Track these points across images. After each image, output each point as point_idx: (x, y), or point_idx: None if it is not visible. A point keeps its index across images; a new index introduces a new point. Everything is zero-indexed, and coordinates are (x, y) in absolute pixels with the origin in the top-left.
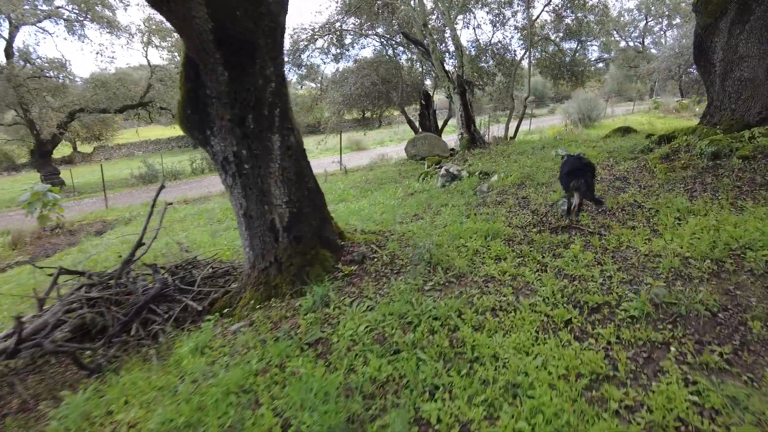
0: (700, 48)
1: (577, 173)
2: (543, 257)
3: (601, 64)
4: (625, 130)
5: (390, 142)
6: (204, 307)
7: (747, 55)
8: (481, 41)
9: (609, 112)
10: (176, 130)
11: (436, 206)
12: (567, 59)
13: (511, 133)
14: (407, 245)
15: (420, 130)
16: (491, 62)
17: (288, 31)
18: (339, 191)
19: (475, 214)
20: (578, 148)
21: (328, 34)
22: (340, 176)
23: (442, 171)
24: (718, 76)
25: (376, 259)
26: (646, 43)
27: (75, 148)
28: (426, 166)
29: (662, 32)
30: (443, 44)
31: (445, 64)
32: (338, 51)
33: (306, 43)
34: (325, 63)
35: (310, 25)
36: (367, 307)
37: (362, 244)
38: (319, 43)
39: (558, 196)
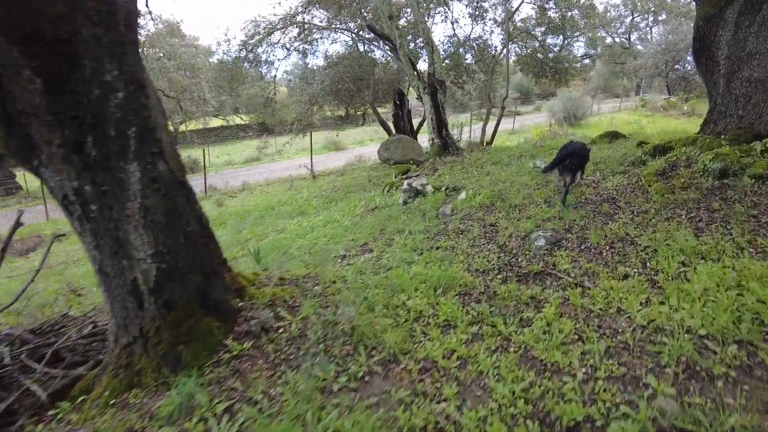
0: (702, 43)
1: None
2: (506, 324)
3: (587, 61)
4: (613, 136)
5: (370, 142)
6: (52, 393)
7: (757, 52)
8: (459, 36)
9: (595, 109)
10: None
11: (390, 232)
12: (550, 55)
13: (488, 136)
14: (328, 305)
15: (394, 131)
16: (470, 59)
17: (239, 24)
18: (300, 202)
19: (430, 249)
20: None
21: (287, 26)
22: (307, 182)
23: (405, 185)
24: (723, 77)
25: (281, 330)
26: (632, 39)
27: None
28: (393, 175)
29: (648, 28)
30: (415, 39)
31: (416, 61)
32: (302, 46)
33: (261, 37)
34: (286, 59)
35: (264, 17)
36: (242, 424)
37: (269, 304)
38: (277, 36)
39: (532, 225)
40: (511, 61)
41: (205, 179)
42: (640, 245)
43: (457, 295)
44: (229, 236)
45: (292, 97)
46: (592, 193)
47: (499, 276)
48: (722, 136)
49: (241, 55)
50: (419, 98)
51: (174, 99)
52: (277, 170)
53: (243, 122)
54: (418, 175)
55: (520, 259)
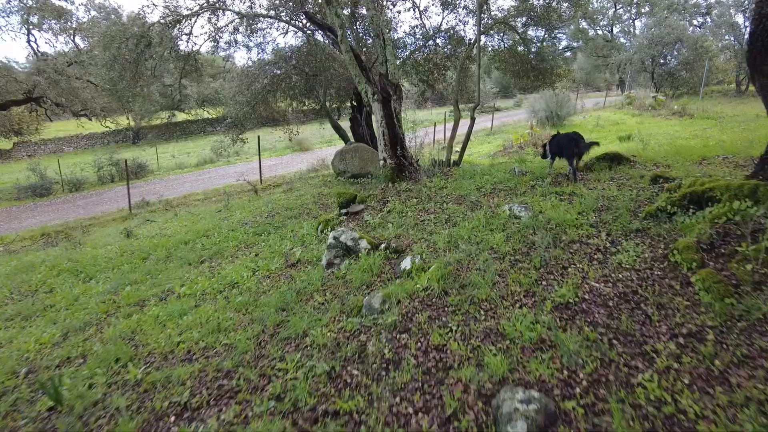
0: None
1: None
2: None
3: (568, 54)
4: (614, 159)
5: (339, 141)
6: None
7: None
8: (428, 26)
9: (578, 105)
10: (115, 123)
11: (280, 342)
12: (532, 49)
13: (459, 145)
14: None
15: (352, 138)
16: (440, 53)
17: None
18: (225, 233)
19: (318, 421)
20: (545, 197)
21: (203, 12)
22: (247, 198)
23: (331, 239)
24: None
25: None
26: (614, 32)
27: None
28: (336, 210)
29: (631, 21)
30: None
31: (373, 58)
32: (231, 37)
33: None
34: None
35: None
36: None
37: None
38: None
39: (505, 366)
40: (485, 58)
41: (128, 192)
42: None
43: None
44: (95, 296)
45: (232, 97)
46: (599, 275)
47: None
48: None
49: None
50: (367, 105)
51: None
52: (229, 175)
53: (210, 116)
54: (363, 209)
55: None
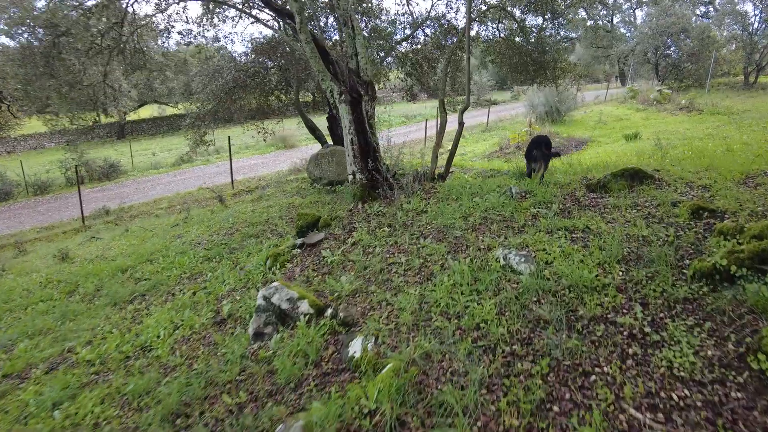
0: None
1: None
2: None
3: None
4: (634, 176)
5: (328, 138)
6: None
7: None
8: (415, 14)
9: (579, 99)
10: (92, 119)
11: None
12: (531, 39)
13: (447, 151)
14: None
15: (330, 141)
16: (429, 43)
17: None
18: (171, 257)
19: None
20: (551, 234)
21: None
22: (211, 210)
23: (260, 298)
24: None
25: None
26: (614, 22)
27: None
28: (293, 236)
29: (632, 10)
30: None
31: (351, 51)
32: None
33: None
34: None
35: None
36: None
37: None
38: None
39: None
40: (478, 50)
41: (80, 203)
42: None
43: None
44: None
45: (200, 92)
46: (639, 394)
47: None
48: None
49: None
50: (333, 108)
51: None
52: (206, 176)
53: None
54: (323, 238)
55: None
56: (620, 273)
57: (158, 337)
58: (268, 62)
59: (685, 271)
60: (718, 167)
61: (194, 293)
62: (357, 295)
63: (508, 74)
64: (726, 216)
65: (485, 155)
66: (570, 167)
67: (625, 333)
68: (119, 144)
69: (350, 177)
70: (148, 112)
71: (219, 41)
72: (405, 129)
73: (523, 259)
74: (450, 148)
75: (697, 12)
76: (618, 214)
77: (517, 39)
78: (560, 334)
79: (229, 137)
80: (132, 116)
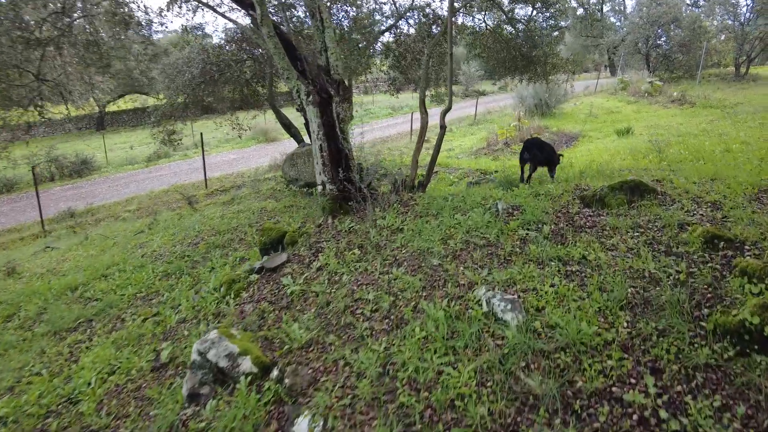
0: None
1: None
2: None
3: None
4: (633, 189)
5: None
6: None
7: None
8: (398, 3)
9: (568, 89)
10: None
11: None
12: (520, 31)
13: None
14: None
15: (306, 139)
16: (413, 35)
17: None
18: (123, 276)
19: None
20: (542, 267)
21: None
22: (178, 214)
23: (195, 354)
24: None
25: None
26: (604, 11)
27: None
28: (256, 253)
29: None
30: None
31: (322, 48)
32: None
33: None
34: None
35: None
36: None
37: None
38: None
39: None
40: (462, 43)
41: (39, 205)
42: None
43: None
44: None
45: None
46: None
47: None
48: None
49: None
50: (301, 110)
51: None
52: (183, 172)
53: (180, 102)
54: (286, 261)
55: None
56: (625, 324)
57: (89, 384)
58: (244, 54)
59: (703, 324)
60: (724, 177)
61: (144, 320)
62: (312, 348)
63: (496, 69)
64: (746, 248)
65: (472, 151)
66: (561, 170)
67: (635, 417)
68: (98, 137)
69: (319, 188)
70: (129, 102)
71: (199, 30)
72: (392, 121)
73: (509, 306)
74: (441, 149)
75: (688, 1)
76: (618, 238)
77: (506, 30)
78: (554, 418)
79: (201, 134)
80: (112, 107)
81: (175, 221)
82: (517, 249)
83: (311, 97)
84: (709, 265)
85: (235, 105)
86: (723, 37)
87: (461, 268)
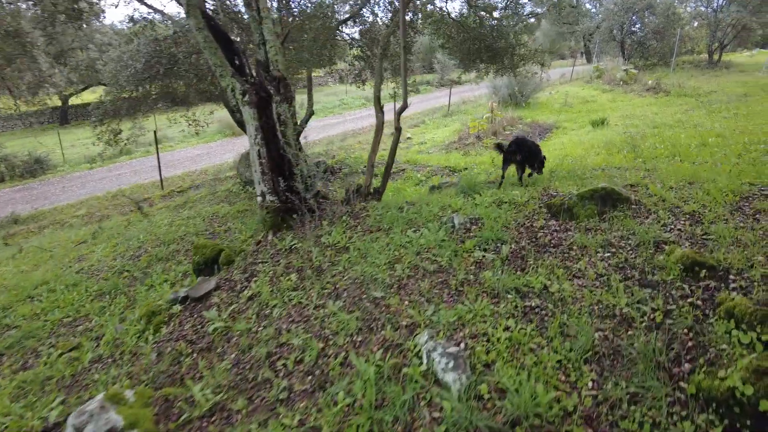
0: None
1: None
2: None
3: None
4: (605, 199)
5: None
6: None
7: None
8: None
9: (543, 78)
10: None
11: None
12: (485, 20)
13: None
14: None
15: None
16: (377, 23)
17: None
18: (53, 297)
19: None
20: (497, 303)
21: None
22: (127, 220)
23: (70, 428)
24: None
25: None
26: None
27: None
28: (190, 272)
29: None
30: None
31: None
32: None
33: None
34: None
35: None
36: None
37: None
38: None
39: None
40: (425, 35)
41: None
42: None
43: None
44: None
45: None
46: None
47: None
48: None
49: None
50: (237, 111)
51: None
52: (144, 170)
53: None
54: (216, 287)
55: None
56: (590, 385)
57: None
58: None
59: (683, 385)
60: (702, 179)
61: (60, 355)
62: (214, 418)
63: (462, 60)
64: (731, 277)
65: (444, 144)
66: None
67: None
68: (64, 131)
69: (258, 199)
70: (92, 95)
71: (147, 21)
72: (366, 111)
73: (451, 363)
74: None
75: None
76: (586, 261)
77: (471, 18)
78: None
79: (155, 132)
80: (75, 100)
81: (122, 229)
82: (471, 276)
83: (247, 96)
84: (689, 300)
85: (189, 100)
86: (696, 24)
87: (405, 302)
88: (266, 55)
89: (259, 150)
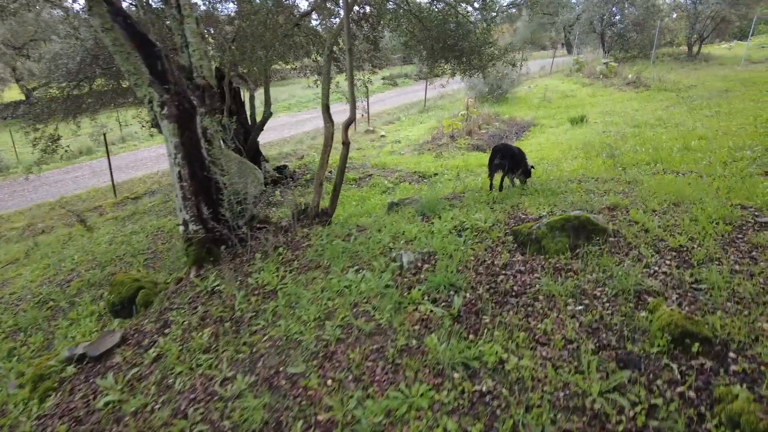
0: None
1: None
2: None
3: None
4: (578, 230)
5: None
6: None
7: None
8: None
9: (523, 70)
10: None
11: None
12: (448, 12)
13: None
14: None
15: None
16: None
17: None
18: None
19: None
20: (442, 383)
21: None
22: (68, 235)
23: None
24: None
25: None
26: None
27: None
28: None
29: None
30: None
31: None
32: None
33: None
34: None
35: None
36: None
37: None
38: None
39: None
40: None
41: None
42: None
43: None
44: None
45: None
46: None
47: None
48: None
49: None
50: (155, 125)
51: None
52: (102, 172)
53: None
54: (118, 344)
55: None
56: None
57: None
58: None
59: None
60: (688, 199)
61: None
62: None
63: (426, 60)
64: (730, 354)
65: (418, 144)
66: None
67: None
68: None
69: (181, 228)
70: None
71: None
72: (343, 106)
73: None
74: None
75: None
76: (553, 318)
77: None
78: None
79: (104, 134)
80: (39, 94)
81: (58, 247)
82: (414, 341)
83: (166, 108)
84: (679, 390)
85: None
86: (675, 16)
87: (328, 382)
88: (189, 60)
89: (179, 171)
